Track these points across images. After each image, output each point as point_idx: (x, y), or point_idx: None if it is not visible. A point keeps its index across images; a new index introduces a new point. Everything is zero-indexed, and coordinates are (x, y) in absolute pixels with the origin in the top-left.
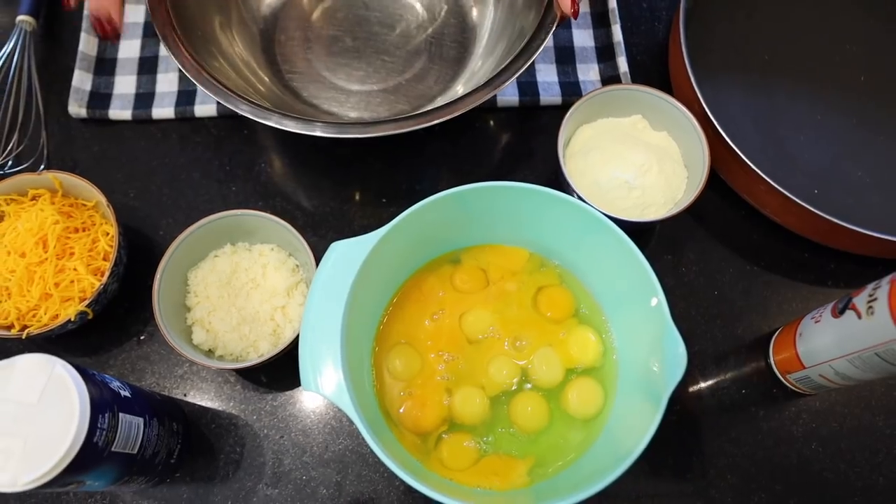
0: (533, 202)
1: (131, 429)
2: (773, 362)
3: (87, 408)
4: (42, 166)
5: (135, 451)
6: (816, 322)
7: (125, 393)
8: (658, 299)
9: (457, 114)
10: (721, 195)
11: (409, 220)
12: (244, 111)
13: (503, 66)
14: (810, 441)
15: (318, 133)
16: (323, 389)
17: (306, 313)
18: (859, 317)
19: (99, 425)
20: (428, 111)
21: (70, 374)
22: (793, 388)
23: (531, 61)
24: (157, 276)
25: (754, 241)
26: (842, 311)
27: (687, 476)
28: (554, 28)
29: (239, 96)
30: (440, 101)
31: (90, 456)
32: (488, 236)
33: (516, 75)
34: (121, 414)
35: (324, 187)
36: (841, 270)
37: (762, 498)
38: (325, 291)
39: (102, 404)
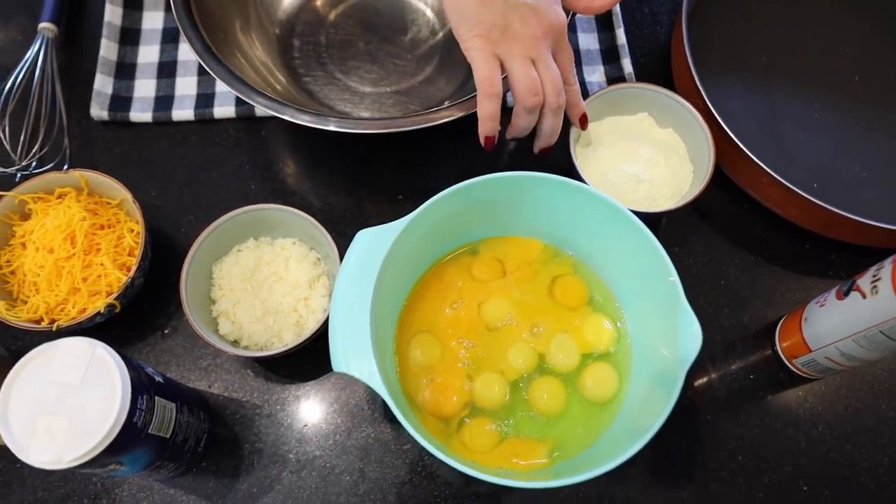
0: (548, 191)
1: (165, 412)
2: (779, 348)
3: (129, 388)
4: (65, 167)
5: (168, 436)
6: (821, 306)
7: (158, 378)
8: (674, 278)
9: (468, 112)
10: (725, 191)
11: (432, 210)
12: (261, 104)
13: None
14: (817, 424)
15: (332, 128)
16: (353, 371)
17: (335, 298)
18: (864, 297)
19: (138, 406)
20: (439, 108)
21: (112, 355)
22: (799, 372)
23: None
24: (185, 268)
25: (757, 233)
26: (847, 293)
27: (698, 458)
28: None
29: (256, 91)
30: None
31: (130, 436)
32: (505, 228)
33: None
34: (156, 397)
35: (340, 185)
36: (841, 260)
37: (772, 479)
38: (352, 277)
39: (140, 386)
